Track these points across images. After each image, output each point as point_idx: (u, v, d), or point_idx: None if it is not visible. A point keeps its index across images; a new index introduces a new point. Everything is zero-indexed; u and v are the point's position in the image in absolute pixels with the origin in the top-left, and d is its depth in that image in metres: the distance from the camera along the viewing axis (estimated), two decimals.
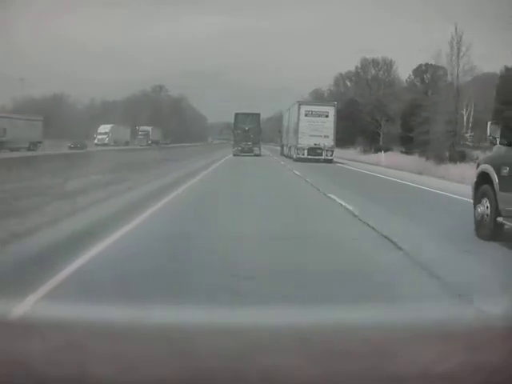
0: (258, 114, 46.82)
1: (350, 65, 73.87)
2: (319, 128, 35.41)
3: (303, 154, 35.24)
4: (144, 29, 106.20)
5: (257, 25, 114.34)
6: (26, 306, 4.11)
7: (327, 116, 35.87)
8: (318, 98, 73.48)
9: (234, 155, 40.73)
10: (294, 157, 35.84)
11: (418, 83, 54.98)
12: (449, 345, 0.95)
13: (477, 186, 8.02)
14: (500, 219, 7.16)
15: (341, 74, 71.84)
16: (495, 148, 7.84)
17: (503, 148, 7.60)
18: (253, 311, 2.81)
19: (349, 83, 71.81)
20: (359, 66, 68.61)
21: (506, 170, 7.18)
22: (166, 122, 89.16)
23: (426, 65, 54.12)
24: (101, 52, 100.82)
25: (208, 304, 3.34)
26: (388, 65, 68.54)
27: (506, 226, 7.25)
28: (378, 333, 0.99)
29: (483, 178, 7.78)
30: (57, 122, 55.89)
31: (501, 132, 7.88)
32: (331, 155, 35.59)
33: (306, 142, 35.40)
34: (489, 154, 8.39)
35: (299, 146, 35.56)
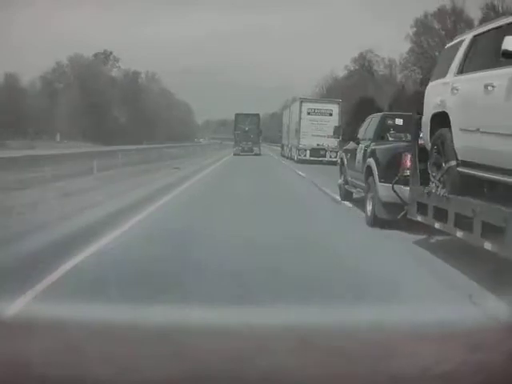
0: (258, 115, 49.15)
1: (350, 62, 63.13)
2: (322, 127, 35.32)
3: (305, 156, 35.16)
4: (144, 28, 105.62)
5: (257, 24, 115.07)
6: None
7: (331, 114, 35.78)
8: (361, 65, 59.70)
9: (235, 155, 42.86)
10: (295, 158, 35.86)
11: None
12: (449, 345, 1.01)
13: (340, 166, 13.15)
14: (346, 186, 11.94)
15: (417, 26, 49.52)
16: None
17: (351, 142, 12.25)
18: (253, 311, 2.87)
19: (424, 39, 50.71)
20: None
21: (348, 156, 11.98)
22: (109, 110, 61.01)
23: None
24: (100, 51, 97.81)
25: (208, 303, 3.41)
26: None
27: (354, 195, 11.57)
28: (378, 333, 1.06)
29: (341, 161, 13.06)
30: None
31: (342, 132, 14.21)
32: (335, 156, 35.50)
33: (308, 142, 35.32)
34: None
35: (301, 146, 35.48)
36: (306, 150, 35.54)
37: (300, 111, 36.46)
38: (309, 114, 36.25)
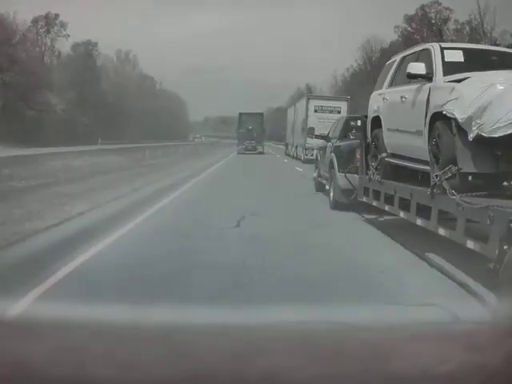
0: (262, 114, 50.67)
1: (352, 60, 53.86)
2: (330, 126, 35.23)
3: (312, 155, 35.15)
4: (144, 27, 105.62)
5: (257, 22, 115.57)
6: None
7: (339, 112, 35.79)
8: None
9: (238, 153, 44.79)
10: (302, 158, 35.85)
11: None
12: (449, 345, 1.05)
13: (315, 162, 16.29)
14: (319, 179, 15.04)
15: None
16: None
17: (323, 141, 15.31)
18: (253, 311, 2.92)
19: None
20: None
21: (321, 152, 14.99)
22: (40, 93, 41.28)
23: None
24: (41, 15, 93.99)
25: (208, 303, 3.47)
26: None
27: (326, 187, 13.65)
28: (378, 333, 1.10)
29: (315, 157, 16.35)
30: None
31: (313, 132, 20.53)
32: None
33: (315, 141, 35.32)
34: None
35: (308, 145, 35.50)
36: (313, 150, 35.49)
37: (307, 108, 36.63)
38: (316, 111, 36.42)
